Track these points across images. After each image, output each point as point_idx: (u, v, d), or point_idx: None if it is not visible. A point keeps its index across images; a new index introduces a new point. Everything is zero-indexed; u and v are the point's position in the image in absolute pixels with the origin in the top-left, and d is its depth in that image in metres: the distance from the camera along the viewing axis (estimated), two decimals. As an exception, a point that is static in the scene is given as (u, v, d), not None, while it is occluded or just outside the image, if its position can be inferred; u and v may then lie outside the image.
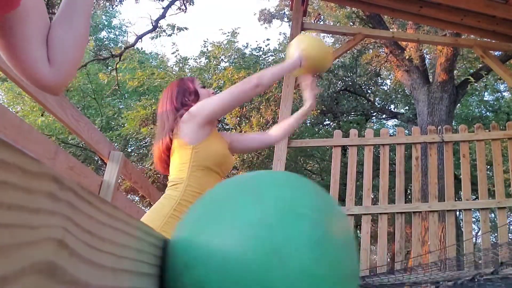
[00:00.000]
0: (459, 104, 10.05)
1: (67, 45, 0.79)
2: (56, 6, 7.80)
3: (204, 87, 1.71)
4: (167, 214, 1.45)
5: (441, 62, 7.60)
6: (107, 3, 9.30)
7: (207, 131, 1.56)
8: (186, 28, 9.58)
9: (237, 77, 8.44)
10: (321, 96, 10.10)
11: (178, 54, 10.30)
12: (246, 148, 1.81)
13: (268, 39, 17.09)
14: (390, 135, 4.03)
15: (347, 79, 11.46)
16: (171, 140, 1.57)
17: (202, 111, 1.52)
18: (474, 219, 10.64)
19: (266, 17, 11.88)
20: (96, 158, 10.79)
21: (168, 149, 1.59)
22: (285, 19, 11.75)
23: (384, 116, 12.83)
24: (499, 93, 12.04)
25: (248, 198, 0.57)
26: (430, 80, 8.06)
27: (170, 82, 2.10)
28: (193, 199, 1.49)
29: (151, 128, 8.70)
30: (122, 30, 16.32)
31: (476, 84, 9.22)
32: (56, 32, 0.78)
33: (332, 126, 12.17)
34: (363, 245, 3.63)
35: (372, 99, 12.26)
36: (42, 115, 9.20)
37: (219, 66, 9.97)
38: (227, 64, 9.95)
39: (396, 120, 12.69)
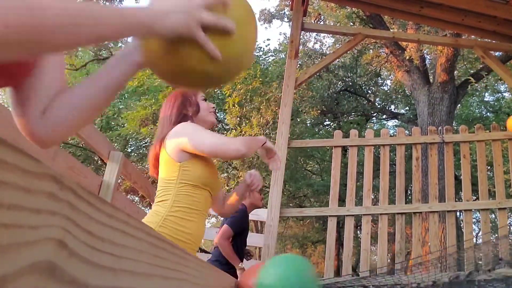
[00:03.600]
0: (459, 105, 10.05)
1: (72, 112, 0.74)
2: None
3: (205, 99, 1.72)
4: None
5: (441, 62, 7.60)
6: (107, 3, 9.31)
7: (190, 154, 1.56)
8: (186, 28, 9.56)
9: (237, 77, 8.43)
10: (321, 97, 10.10)
11: (179, 54, 10.29)
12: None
13: (268, 39, 17.11)
14: (391, 136, 4.03)
15: (347, 80, 11.46)
16: (160, 149, 1.59)
17: (184, 142, 1.51)
18: (474, 220, 10.63)
19: (266, 17, 11.88)
20: (96, 158, 10.80)
21: (157, 158, 1.61)
22: (285, 19, 11.75)
23: (384, 116, 12.83)
24: (500, 94, 12.04)
25: None
26: (431, 80, 8.06)
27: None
28: (181, 214, 1.49)
29: (151, 128, 8.70)
30: (122, 30, 16.31)
31: (476, 85, 9.21)
32: (70, 94, 0.75)
33: (332, 127, 12.17)
34: (363, 245, 3.63)
35: (372, 100, 12.26)
36: (42, 115, 9.19)
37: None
38: (228, 64, 9.94)
39: (397, 120, 12.69)
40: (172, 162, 1.54)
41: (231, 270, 2.96)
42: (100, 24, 0.57)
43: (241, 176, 7.88)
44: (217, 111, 10.19)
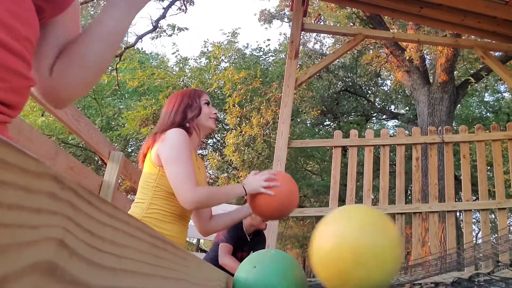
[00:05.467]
0: (459, 105, 10.06)
1: (81, 64, 0.72)
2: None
3: (208, 103, 1.70)
4: None
5: (441, 62, 7.60)
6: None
7: None
8: (186, 29, 9.59)
9: (237, 77, 8.44)
10: (321, 97, 10.11)
11: (179, 54, 10.31)
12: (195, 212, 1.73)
13: (268, 40, 17.12)
14: (390, 136, 4.03)
15: (347, 80, 11.47)
16: (153, 143, 1.56)
17: (162, 152, 1.49)
18: (474, 220, 10.63)
19: (267, 18, 11.89)
20: (96, 158, 10.80)
21: (148, 149, 1.59)
22: (286, 20, 11.75)
23: (384, 116, 12.83)
24: (500, 94, 12.05)
25: None
26: (431, 80, 8.06)
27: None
28: (158, 216, 1.47)
29: (151, 128, 8.70)
30: (122, 30, 16.30)
31: (476, 85, 9.22)
32: (77, 46, 0.73)
33: (332, 127, 12.17)
34: (363, 245, 3.63)
35: (372, 100, 12.27)
36: (42, 115, 9.21)
37: (219, 66, 9.98)
38: (228, 64, 9.96)
39: (397, 120, 12.69)
40: (152, 163, 1.53)
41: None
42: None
43: (241, 176, 7.87)
44: (217, 111, 10.22)
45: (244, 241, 3.11)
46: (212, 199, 1.48)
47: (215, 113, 1.71)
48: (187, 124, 1.61)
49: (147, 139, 1.62)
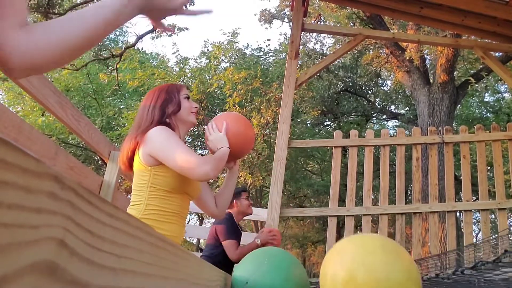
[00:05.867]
0: (459, 105, 10.05)
1: (58, 32, 0.69)
2: (57, 6, 7.80)
3: (188, 98, 1.64)
4: None
5: (441, 63, 7.60)
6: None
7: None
8: (186, 28, 9.58)
9: (237, 77, 8.44)
10: (321, 97, 10.11)
11: (179, 54, 10.31)
12: (199, 202, 1.74)
13: (268, 40, 17.11)
14: (391, 136, 4.02)
15: (347, 80, 11.47)
16: (137, 145, 1.52)
17: (155, 150, 1.46)
18: (474, 220, 10.63)
19: (267, 18, 11.88)
20: (96, 158, 10.80)
21: (133, 152, 1.54)
22: (286, 20, 11.75)
23: (384, 116, 12.83)
24: (500, 94, 12.05)
25: None
26: (431, 81, 8.06)
27: (162, 84, 2.05)
28: (156, 217, 1.45)
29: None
30: (122, 30, 16.31)
31: (476, 85, 9.22)
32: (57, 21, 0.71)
33: (333, 127, 12.17)
34: (363, 245, 3.63)
35: (372, 100, 12.26)
36: (42, 115, 9.21)
37: (219, 67, 9.98)
38: (228, 64, 9.95)
39: (397, 120, 12.69)
40: (143, 165, 1.49)
41: (223, 268, 2.93)
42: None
43: (240, 176, 7.88)
44: (217, 111, 10.19)
45: (239, 231, 3.22)
46: (218, 166, 1.49)
47: (196, 107, 1.66)
48: (167, 120, 1.56)
49: (126, 141, 1.57)
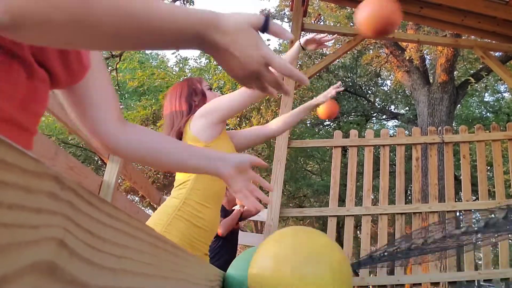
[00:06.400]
0: (459, 105, 10.06)
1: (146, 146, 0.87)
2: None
3: (210, 89, 1.68)
4: (171, 214, 1.42)
5: (441, 63, 7.60)
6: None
7: (220, 129, 1.53)
8: (186, 29, 9.57)
9: (237, 77, 8.44)
10: (321, 97, 10.10)
11: (179, 54, 10.30)
12: (251, 143, 1.78)
13: (268, 40, 17.09)
14: (390, 136, 4.03)
15: (347, 80, 11.47)
16: (180, 139, 1.54)
17: (220, 109, 1.50)
18: (474, 220, 10.62)
19: (267, 18, 11.87)
20: (96, 158, 10.80)
21: None
22: (285, 20, 11.75)
23: (384, 116, 12.83)
24: (500, 94, 12.05)
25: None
26: (431, 81, 8.06)
27: (175, 83, 2.04)
28: (199, 198, 1.46)
29: (151, 128, 8.70)
30: (122, 30, 16.32)
31: (476, 85, 9.22)
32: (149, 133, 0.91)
33: (332, 127, 12.17)
34: (363, 245, 3.63)
35: (372, 100, 12.27)
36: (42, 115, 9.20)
37: (219, 67, 9.97)
38: (228, 64, 9.94)
39: (396, 120, 12.70)
40: (196, 142, 1.49)
41: (216, 262, 2.93)
42: (154, 20, 0.51)
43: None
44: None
45: (228, 213, 3.22)
46: None
47: (220, 96, 1.68)
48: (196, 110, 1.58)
49: None
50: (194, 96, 1.62)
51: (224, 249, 3.06)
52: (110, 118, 0.78)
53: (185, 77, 1.95)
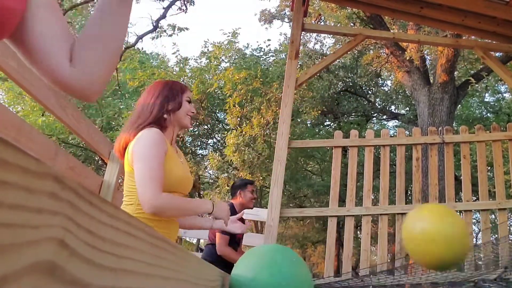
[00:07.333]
0: (459, 105, 10.06)
1: (97, 44, 0.73)
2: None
3: (190, 101, 1.64)
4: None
5: (441, 63, 7.60)
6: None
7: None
8: (186, 29, 9.58)
9: (237, 77, 8.44)
10: (321, 97, 10.10)
11: (179, 54, 10.31)
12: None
13: (269, 40, 17.11)
14: (391, 136, 4.02)
15: (347, 80, 11.47)
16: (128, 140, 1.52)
17: (135, 152, 1.44)
18: (474, 220, 10.63)
19: (267, 18, 11.89)
20: (96, 158, 10.80)
21: (127, 143, 1.53)
22: (286, 20, 11.75)
23: (384, 117, 12.83)
24: (500, 94, 12.05)
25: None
26: (431, 81, 8.06)
27: (166, 79, 2.01)
28: (147, 215, 1.41)
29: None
30: (123, 30, 16.29)
31: (476, 85, 9.22)
32: (88, 30, 0.74)
33: (333, 127, 12.17)
34: (363, 246, 3.63)
35: (372, 100, 12.27)
36: (42, 115, 9.21)
37: (219, 67, 9.97)
38: (228, 64, 9.95)
39: (397, 121, 12.69)
40: (130, 165, 1.48)
41: (223, 269, 2.94)
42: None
43: (240, 176, 7.87)
44: (217, 111, 10.19)
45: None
46: (175, 209, 1.42)
47: (193, 112, 1.66)
48: (164, 116, 1.56)
49: (123, 130, 1.57)
50: (170, 102, 1.58)
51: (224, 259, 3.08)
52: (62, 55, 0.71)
53: (168, 79, 1.98)
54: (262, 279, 1.13)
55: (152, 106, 1.56)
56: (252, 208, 3.46)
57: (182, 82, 9.66)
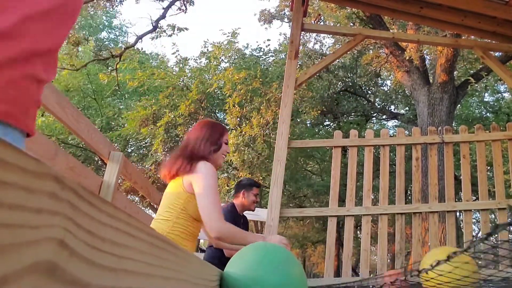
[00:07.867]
0: (459, 105, 10.06)
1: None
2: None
3: (227, 143, 1.89)
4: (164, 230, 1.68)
5: (441, 63, 7.60)
6: (108, 4, 9.30)
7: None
8: (186, 29, 9.58)
9: (237, 77, 8.44)
10: (321, 97, 10.11)
11: (179, 54, 10.30)
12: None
13: (268, 40, 17.10)
14: (390, 136, 4.02)
15: (347, 80, 11.47)
16: (189, 169, 1.73)
17: (197, 183, 1.69)
18: (474, 220, 10.63)
19: (267, 18, 11.89)
20: (96, 159, 10.80)
21: (180, 172, 1.75)
22: (286, 20, 11.75)
23: (384, 116, 12.83)
24: (499, 94, 12.05)
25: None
26: (430, 81, 8.06)
27: (204, 119, 2.37)
28: (180, 234, 1.69)
29: (151, 128, 8.70)
30: (122, 31, 16.32)
31: (476, 85, 9.22)
32: None
33: (332, 127, 12.17)
34: (363, 246, 3.63)
35: (372, 100, 12.27)
36: (42, 115, 9.20)
37: (219, 67, 9.97)
38: (228, 64, 9.95)
39: (396, 120, 12.69)
40: (184, 189, 1.71)
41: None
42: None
43: (240, 176, 7.87)
44: (217, 111, 10.19)
45: (239, 223, 3.24)
46: (234, 237, 1.69)
47: (228, 152, 1.92)
48: (209, 155, 1.80)
49: (174, 159, 1.78)
50: (214, 144, 1.83)
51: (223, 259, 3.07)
52: None
53: (213, 120, 2.23)
54: (257, 275, 1.12)
55: (205, 145, 1.81)
56: (253, 210, 3.48)
57: (182, 82, 9.63)
